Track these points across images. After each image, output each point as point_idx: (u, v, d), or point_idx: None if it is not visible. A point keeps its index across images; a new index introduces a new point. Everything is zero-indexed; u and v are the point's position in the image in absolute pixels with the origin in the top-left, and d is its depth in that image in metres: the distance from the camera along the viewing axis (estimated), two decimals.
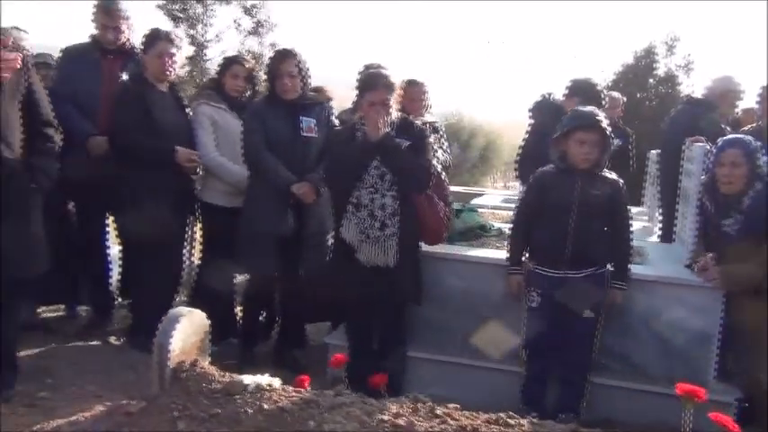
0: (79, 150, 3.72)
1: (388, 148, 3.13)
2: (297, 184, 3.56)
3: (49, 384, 3.21)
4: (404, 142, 3.17)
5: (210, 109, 3.91)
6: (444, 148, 4.56)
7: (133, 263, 3.95)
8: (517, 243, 3.35)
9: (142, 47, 3.76)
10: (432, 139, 4.46)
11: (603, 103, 3.84)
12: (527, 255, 3.35)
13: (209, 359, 2.53)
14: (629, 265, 3.27)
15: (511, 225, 3.46)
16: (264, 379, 2.30)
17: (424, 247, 3.43)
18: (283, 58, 3.60)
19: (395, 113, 3.23)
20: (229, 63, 4.04)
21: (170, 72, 3.75)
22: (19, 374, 3.10)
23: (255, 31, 8.61)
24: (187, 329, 2.24)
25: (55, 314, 4.41)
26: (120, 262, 4.12)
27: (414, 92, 4.30)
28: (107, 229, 4.17)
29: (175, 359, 2.16)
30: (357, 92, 3.24)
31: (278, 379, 2.39)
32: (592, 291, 3.15)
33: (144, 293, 3.85)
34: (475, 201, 6.31)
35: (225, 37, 8.61)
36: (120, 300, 4.35)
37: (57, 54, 4.09)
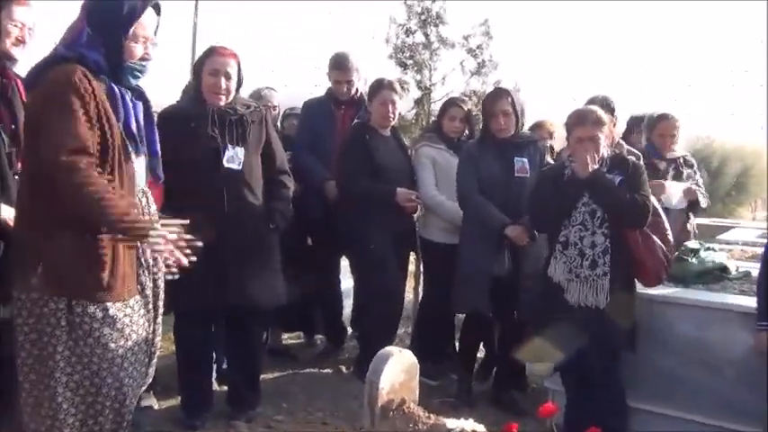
0: (317, 193, 4.15)
1: (598, 185, 3.00)
2: (510, 227, 3.55)
3: (284, 408, 3.56)
4: (616, 178, 3.02)
5: (431, 150, 4.09)
6: (700, 183, 4.27)
7: (363, 296, 4.23)
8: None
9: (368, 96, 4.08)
10: (687, 174, 4.25)
11: None
12: None
13: (416, 398, 2.59)
14: None
15: (761, 268, 3.06)
16: (469, 424, 2.32)
17: (648, 289, 3.19)
18: (497, 96, 3.64)
19: (606, 149, 3.09)
20: (447, 106, 4.20)
21: (392, 118, 4.00)
22: (261, 397, 3.49)
23: (478, 71, 8.82)
24: (396, 368, 2.34)
25: (296, 341, 4.88)
26: (353, 295, 4.45)
27: (665, 127, 4.13)
28: (340, 264, 4.54)
29: (384, 397, 2.27)
30: (566, 129, 3.17)
31: (482, 426, 2.38)
32: None
33: (370, 326, 4.10)
34: (723, 236, 5.68)
35: (449, 79, 8.98)
36: (351, 330, 4.68)
37: None
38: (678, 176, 4.29)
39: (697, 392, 3.18)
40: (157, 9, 2.30)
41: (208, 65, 3.12)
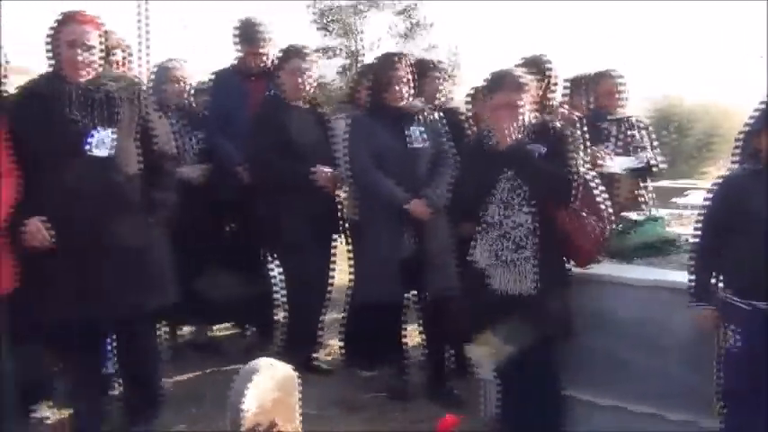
0: (230, 177, 3.78)
1: (520, 157, 2.67)
2: (412, 202, 3.26)
3: (190, 415, 3.24)
4: (539, 148, 2.68)
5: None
6: (650, 146, 3.97)
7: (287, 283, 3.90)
8: (703, 267, 2.66)
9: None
10: (638, 136, 3.95)
11: None
12: (720, 281, 2.64)
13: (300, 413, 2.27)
14: None
15: (693, 241, 2.76)
16: None
17: (582, 269, 2.89)
18: (393, 62, 3.31)
19: (528, 116, 2.75)
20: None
21: (305, 89, 3.62)
22: (160, 404, 3.14)
23: (410, 34, 8.32)
24: (266, 385, 2.02)
25: (228, 332, 4.55)
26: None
27: (607, 84, 3.87)
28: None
29: (251, 420, 1.96)
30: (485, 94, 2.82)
31: None
32: None
33: (290, 315, 3.78)
34: (680, 199, 5.41)
35: (382, 44, 8.47)
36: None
37: None
38: (623, 138, 3.98)
39: (640, 378, 2.90)
40: None
41: (63, 35, 2.68)
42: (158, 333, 3.38)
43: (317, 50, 6.45)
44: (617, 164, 3.81)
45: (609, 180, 3.86)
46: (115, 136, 2.71)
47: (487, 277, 2.78)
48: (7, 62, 3.02)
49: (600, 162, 3.67)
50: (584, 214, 2.76)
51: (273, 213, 3.56)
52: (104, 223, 2.69)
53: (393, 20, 8.12)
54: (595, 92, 4.07)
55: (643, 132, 4.07)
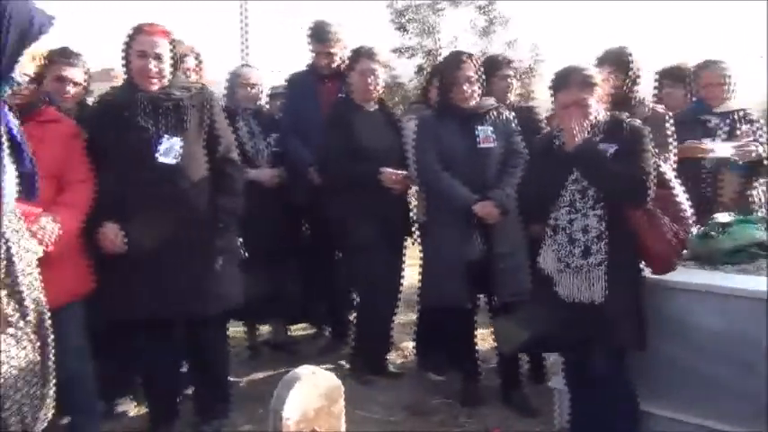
0: (302, 179, 3.82)
1: (587, 158, 2.53)
2: (479, 204, 3.18)
3: (258, 415, 3.25)
4: (609, 148, 2.53)
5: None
6: (762, 141, 3.66)
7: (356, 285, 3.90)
8: None
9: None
10: (747, 130, 3.67)
11: None
12: None
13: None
14: None
15: None
16: None
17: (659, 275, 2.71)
18: (459, 62, 3.22)
19: (599, 114, 2.60)
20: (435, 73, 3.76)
21: (374, 90, 3.60)
22: (230, 404, 3.22)
23: (488, 31, 8.00)
24: (310, 393, 2.00)
25: (304, 333, 4.61)
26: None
27: (710, 75, 3.64)
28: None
29: (292, 427, 1.94)
30: (551, 93, 2.69)
31: None
32: None
33: (360, 318, 3.78)
34: None
35: (459, 41, 8.19)
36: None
37: None
38: (732, 133, 3.67)
39: (725, 395, 2.68)
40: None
41: (135, 46, 2.79)
42: (228, 332, 3.43)
43: (394, 50, 6.43)
44: (721, 149, 3.53)
45: (712, 178, 3.63)
46: (183, 143, 2.79)
47: (554, 283, 2.66)
48: (90, 76, 3.19)
49: (703, 150, 3.44)
50: (659, 216, 2.58)
51: (342, 215, 3.56)
52: (172, 228, 2.77)
53: (472, 16, 7.93)
54: (698, 84, 3.81)
55: (756, 125, 3.76)
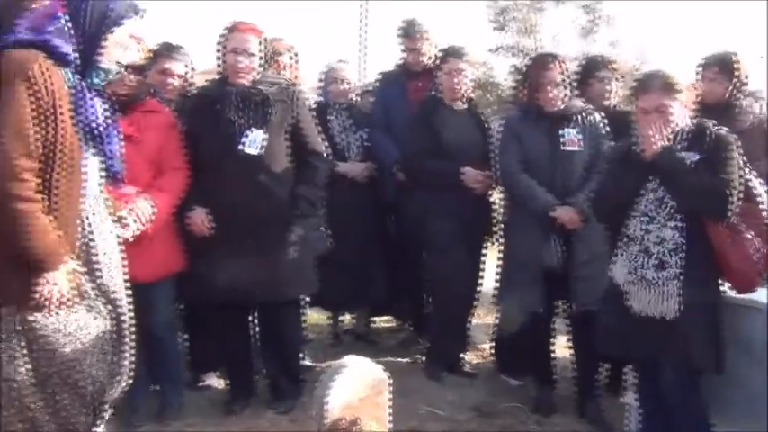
0: (389, 175, 3.89)
1: (666, 166, 2.42)
2: (559, 209, 3.11)
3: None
4: (692, 157, 2.41)
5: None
6: None
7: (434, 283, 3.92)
8: None
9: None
10: None
11: None
12: None
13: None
14: None
15: None
16: None
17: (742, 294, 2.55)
18: (545, 64, 3.16)
19: (684, 121, 2.48)
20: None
21: (461, 89, 3.60)
22: (303, 387, 3.33)
23: (591, 30, 7.57)
24: (355, 383, 2.06)
25: (387, 325, 4.70)
26: None
27: None
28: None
29: (335, 414, 2.01)
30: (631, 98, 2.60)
31: None
32: None
33: (436, 317, 3.81)
34: None
35: (562, 40, 7.80)
36: None
37: None
38: None
39: None
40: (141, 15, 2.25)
41: (228, 43, 2.97)
42: (314, 319, 3.56)
43: (492, 49, 6.37)
44: None
45: None
46: (266, 136, 2.95)
47: (626, 295, 2.57)
48: (193, 69, 3.42)
49: None
50: (743, 231, 2.43)
51: (421, 212, 3.60)
52: (252, 215, 2.94)
53: (575, 14, 7.57)
54: None
55: None
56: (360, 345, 4.31)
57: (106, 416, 2.31)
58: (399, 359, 4.05)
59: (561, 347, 3.61)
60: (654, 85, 2.48)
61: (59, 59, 2.07)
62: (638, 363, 2.70)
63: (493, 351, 4.03)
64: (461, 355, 3.88)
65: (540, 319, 3.32)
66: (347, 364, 2.11)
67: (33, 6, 2.12)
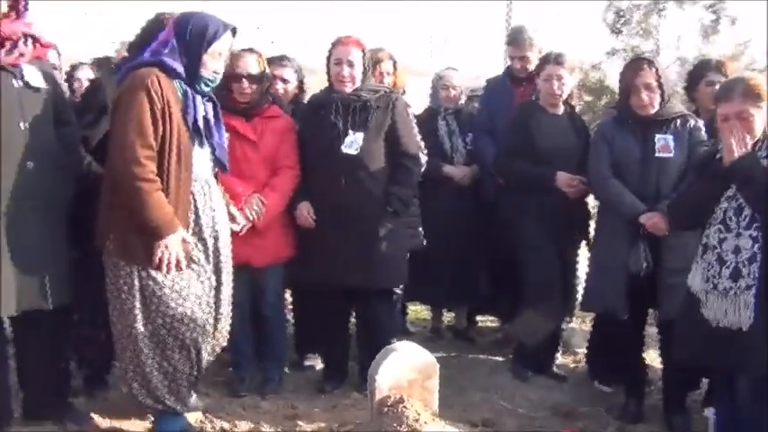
0: (490, 177, 4.02)
1: (744, 174, 2.37)
2: (646, 215, 3.09)
3: None
4: None
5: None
6: None
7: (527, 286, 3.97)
8: None
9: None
10: None
11: None
12: None
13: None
14: None
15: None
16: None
17: None
18: (639, 67, 3.16)
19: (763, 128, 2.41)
20: None
21: (559, 95, 3.65)
22: None
23: (711, 31, 6.92)
24: (404, 366, 2.22)
25: (487, 325, 4.79)
26: None
27: None
28: None
29: (383, 392, 2.18)
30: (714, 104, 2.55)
31: None
32: None
33: (533, 316, 3.86)
34: None
35: (683, 43, 7.16)
36: None
37: None
38: None
39: None
40: (234, 32, 2.68)
41: (333, 55, 3.31)
42: (417, 313, 3.76)
43: (608, 52, 6.22)
44: None
45: None
46: (364, 138, 3.26)
47: (701, 304, 2.54)
48: (303, 76, 3.78)
49: None
50: None
51: (513, 213, 3.70)
52: (349, 209, 3.25)
53: (699, 15, 6.99)
54: None
55: None
56: (458, 341, 4.46)
57: (200, 371, 2.73)
58: (492, 357, 4.16)
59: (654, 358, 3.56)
60: (735, 92, 2.44)
61: (171, 73, 2.55)
62: (713, 372, 2.65)
63: (586, 356, 4.02)
64: (553, 356, 3.91)
65: (628, 326, 3.30)
66: (397, 348, 2.28)
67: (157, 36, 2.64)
